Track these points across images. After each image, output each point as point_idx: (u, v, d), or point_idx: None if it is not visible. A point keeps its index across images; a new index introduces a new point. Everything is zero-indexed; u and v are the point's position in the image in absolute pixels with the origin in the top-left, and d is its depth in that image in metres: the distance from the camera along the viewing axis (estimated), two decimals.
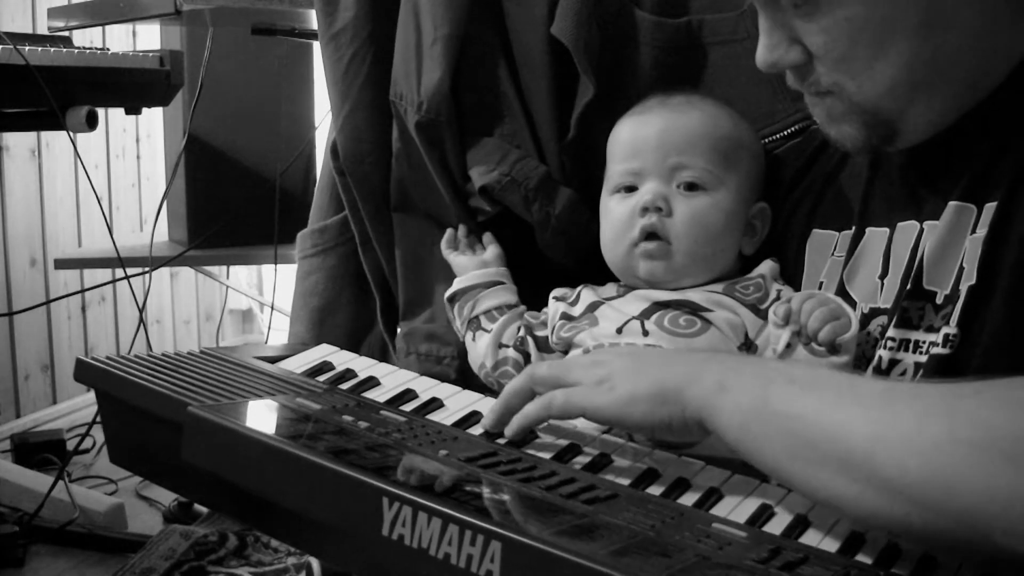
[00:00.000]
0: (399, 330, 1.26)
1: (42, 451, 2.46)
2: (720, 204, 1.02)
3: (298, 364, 1.00)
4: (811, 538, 0.71)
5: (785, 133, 1.13)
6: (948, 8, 0.81)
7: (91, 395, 0.96)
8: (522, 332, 1.11)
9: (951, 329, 0.82)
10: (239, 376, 0.90)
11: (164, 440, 0.81)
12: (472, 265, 1.17)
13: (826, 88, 0.87)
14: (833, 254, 0.99)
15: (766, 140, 1.12)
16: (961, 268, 0.84)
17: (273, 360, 1.01)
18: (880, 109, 0.85)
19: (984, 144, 0.85)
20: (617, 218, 1.04)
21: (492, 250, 1.18)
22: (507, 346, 1.11)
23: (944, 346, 0.82)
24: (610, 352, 0.94)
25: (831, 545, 0.70)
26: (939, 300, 0.85)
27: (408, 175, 1.21)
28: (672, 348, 0.96)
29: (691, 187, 1.02)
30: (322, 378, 0.97)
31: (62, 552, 2.04)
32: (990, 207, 0.83)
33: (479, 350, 1.12)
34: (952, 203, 0.85)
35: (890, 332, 0.88)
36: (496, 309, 1.13)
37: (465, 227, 1.20)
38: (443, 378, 1.00)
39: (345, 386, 0.95)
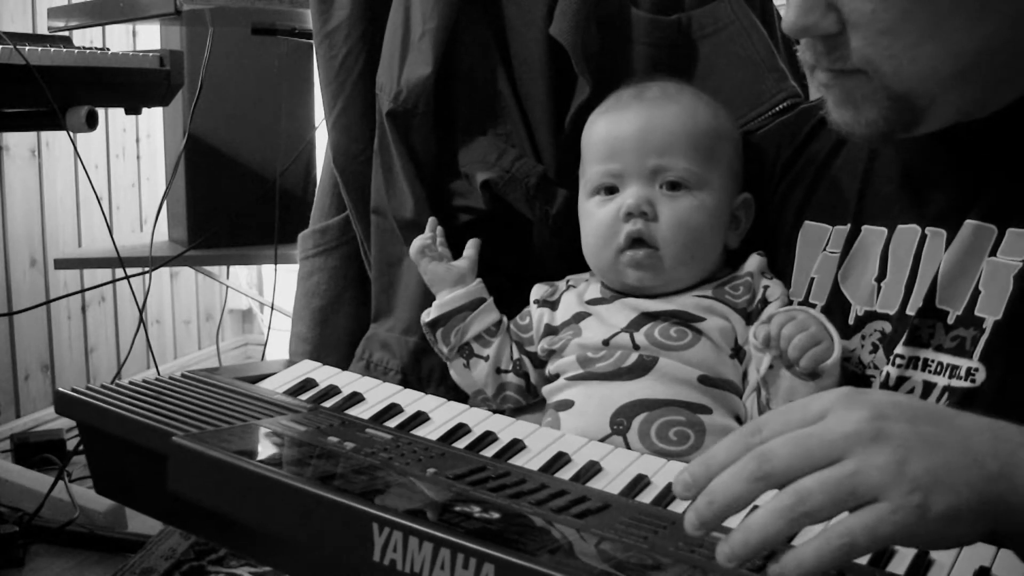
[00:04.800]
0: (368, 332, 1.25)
1: (42, 451, 2.47)
2: (705, 203, 1.00)
3: (280, 383, 0.99)
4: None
5: (771, 113, 1.12)
6: None
7: None
8: (516, 353, 1.09)
9: (973, 363, 0.79)
10: (222, 400, 0.89)
11: (149, 470, 0.79)
12: (449, 277, 1.10)
13: (854, 66, 0.78)
14: (825, 249, 0.96)
15: (753, 120, 1.11)
16: (977, 291, 0.81)
17: (255, 380, 0.99)
18: (911, 94, 0.77)
19: (1007, 160, 0.81)
20: (600, 222, 1.01)
21: (469, 259, 1.12)
22: (506, 371, 1.09)
23: (965, 379, 0.78)
24: (885, 418, 0.59)
25: None
26: (950, 320, 0.82)
27: (380, 175, 1.20)
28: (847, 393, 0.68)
29: (674, 186, 0.99)
30: (305, 396, 0.96)
31: (62, 552, 2.04)
32: (1014, 233, 0.79)
33: (475, 377, 1.09)
34: (971, 222, 0.82)
35: (899, 349, 0.85)
36: (486, 332, 1.09)
37: (441, 230, 1.12)
38: None
39: (329, 404, 0.94)
